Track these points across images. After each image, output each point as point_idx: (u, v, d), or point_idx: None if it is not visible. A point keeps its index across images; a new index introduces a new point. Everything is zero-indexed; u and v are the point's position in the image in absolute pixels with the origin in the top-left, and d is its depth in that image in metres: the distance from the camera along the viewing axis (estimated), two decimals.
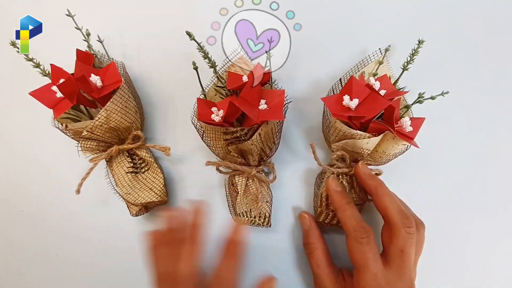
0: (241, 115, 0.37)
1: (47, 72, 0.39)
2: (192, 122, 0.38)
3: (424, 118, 0.36)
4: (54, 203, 0.44)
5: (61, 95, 0.36)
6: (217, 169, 0.41)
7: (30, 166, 0.45)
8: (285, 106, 0.37)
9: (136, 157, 0.42)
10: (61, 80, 0.36)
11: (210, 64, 0.36)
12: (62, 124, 0.38)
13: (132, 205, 0.41)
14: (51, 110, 0.36)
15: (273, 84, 0.39)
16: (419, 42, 0.38)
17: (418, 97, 0.36)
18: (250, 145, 0.36)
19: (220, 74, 0.39)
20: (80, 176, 0.43)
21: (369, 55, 0.39)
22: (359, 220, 0.34)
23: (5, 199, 0.45)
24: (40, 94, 0.36)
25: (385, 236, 0.35)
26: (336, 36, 0.42)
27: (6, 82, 0.45)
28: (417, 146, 0.35)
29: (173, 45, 0.43)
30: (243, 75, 0.37)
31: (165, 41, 0.43)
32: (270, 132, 0.37)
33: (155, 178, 0.42)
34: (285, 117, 0.35)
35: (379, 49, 0.39)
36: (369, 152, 0.37)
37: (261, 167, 0.40)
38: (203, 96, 0.39)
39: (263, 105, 0.35)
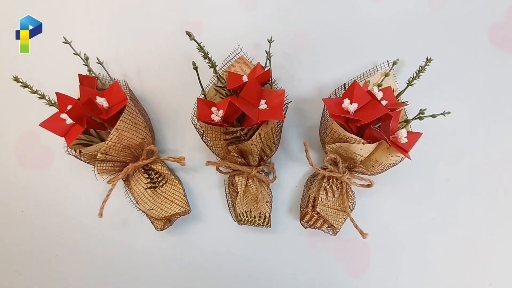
0: (241, 115, 0.37)
1: (52, 102, 0.38)
2: (192, 122, 0.38)
3: (421, 134, 0.36)
4: (54, 203, 0.44)
5: (71, 121, 0.35)
6: (217, 169, 0.41)
7: (30, 166, 0.45)
8: (285, 106, 0.37)
9: (152, 172, 0.42)
10: (69, 107, 0.35)
11: (210, 64, 0.36)
12: (75, 151, 0.38)
13: (156, 220, 0.41)
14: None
15: (273, 84, 0.39)
16: (427, 59, 0.37)
17: (419, 113, 0.37)
18: (250, 145, 0.36)
19: (220, 74, 0.39)
20: (78, 173, 0.43)
21: (376, 66, 0.39)
22: None
23: (5, 199, 0.45)
24: (50, 124, 0.36)
25: None
26: (345, 44, 0.42)
27: (4, 80, 0.45)
28: (409, 158, 0.35)
29: (172, 46, 0.43)
30: (243, 75, 0.37)
31: (162, 44, 0.43)
32: (270, 132, 0.37)
33: (174, 190, 0.42)
34: (285, 117, 0.35)
35: (387, 61, 0.39)
36: (362, 158, 0.37)
37: (261, 167, 0.40)
38: (203, 96, 0.39)
39: (263, 105, 0.35)
